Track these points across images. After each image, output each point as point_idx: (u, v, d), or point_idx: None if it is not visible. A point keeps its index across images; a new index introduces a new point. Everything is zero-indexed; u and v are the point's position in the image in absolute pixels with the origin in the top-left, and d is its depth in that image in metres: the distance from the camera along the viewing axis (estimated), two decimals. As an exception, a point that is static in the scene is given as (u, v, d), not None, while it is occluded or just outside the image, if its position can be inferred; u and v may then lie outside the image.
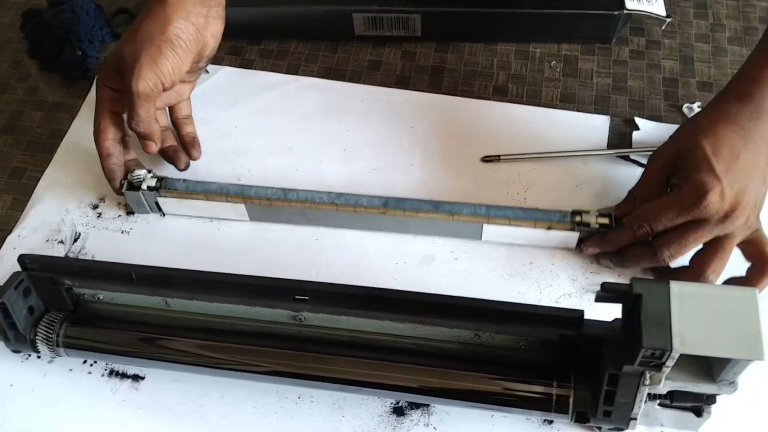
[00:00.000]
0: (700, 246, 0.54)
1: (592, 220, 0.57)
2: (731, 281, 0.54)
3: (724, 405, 0.46)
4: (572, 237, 0.59)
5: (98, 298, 0.55)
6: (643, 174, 0.58)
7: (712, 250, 0.53)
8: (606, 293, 0.42)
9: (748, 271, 0.54)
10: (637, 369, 0.41)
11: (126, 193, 0.63)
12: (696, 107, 0.69)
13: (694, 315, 0.40)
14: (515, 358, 0.48)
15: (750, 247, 0.54)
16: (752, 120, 0.51)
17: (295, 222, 0.63)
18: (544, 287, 0.60)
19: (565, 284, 0.60)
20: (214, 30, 0.60)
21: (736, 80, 0.54)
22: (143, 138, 0.60)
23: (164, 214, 0.65)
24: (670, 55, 0.74)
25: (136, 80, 0.56)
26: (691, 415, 0.46)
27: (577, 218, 0.58)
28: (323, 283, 0.51)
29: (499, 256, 0.61)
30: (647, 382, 0.41)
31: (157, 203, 0.64)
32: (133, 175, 0.62)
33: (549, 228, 0.58)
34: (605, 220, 0.57)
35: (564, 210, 0.59)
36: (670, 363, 0.40)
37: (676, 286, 0.40)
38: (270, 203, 0.61)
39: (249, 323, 0.52)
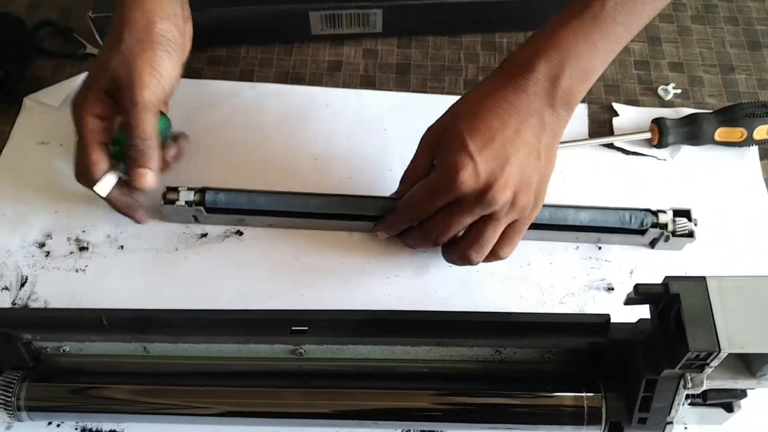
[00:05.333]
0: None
1: None
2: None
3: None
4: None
5: (63, 351, 0.48)
6: (414, 156, 0.54)
7: (475, 230, 0.50)
8: (639, 295, 0.39)
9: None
10: (676, 372, 0.39)
11: (165, 207, 0.58)
12: (671, 89, 0.68)
13: (737, 311, 0.37)
14: (540, 371, 0.45)
15: (506, 229, 0.51)
16: (518, 92, 0.47)
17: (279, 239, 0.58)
18: (546, 288, 0.57)
19: (567, 283, 0.57)
20: (189, 31, 0.56)
21: (513, 53, 0.50)
22: (140, 163, 0.52)
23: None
24: (637, 37, 0.71)
25: (140, 90, 0.50)
26: (719, 411, 0.45)
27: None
28: (323, 311, 0.46)
29: (495, 259, 0.58)
30: (689, 385, 0.38)
31: (195, 216, 0.59)
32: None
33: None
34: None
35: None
36: (715, 364, 0.37)
37: (713, 282, 0.38)
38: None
39: (242, 362, 0.47)
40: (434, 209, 0.50)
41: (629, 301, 0.40)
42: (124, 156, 0.53)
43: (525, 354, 0.45)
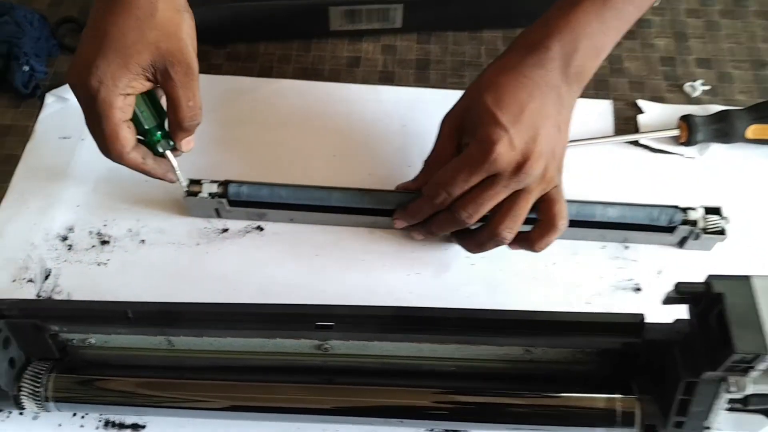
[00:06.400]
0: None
1: None
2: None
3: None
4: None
5: (89, 343, 0.48)
6: (435, 141, 0.54)
7: (507, 206, 0.50)
8: (680, 294, 0.38)
9: (533, 229, 0.52)
10: (718, 375, 0.38)
11: (187, 199, 0.58)
12: (699, 85, 0.66)
13: (785, 311, 0.36)
14: (571, 371, 0.44)
15: (542, 203, 0.51)
16: (535, 68, 0.48)
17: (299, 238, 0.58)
18: (572, 288, 0.56)
19: (593, 283, 0.56)
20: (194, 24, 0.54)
21: (524, 32, 0.51)
22: (191, 132, 0.52)
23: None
24: (662, 33, 0.72)
25: (193, 61, 0.48)
26: (758, 418, 0.43)
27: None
28: (349, 306, 0.45)
29: (520, 258, 0.57)
30: (733, 388, 0.37)
31: (217, 210, 0.59)
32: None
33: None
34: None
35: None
36: (762, 367, 0.36)
37: (758, 281, 0.37)
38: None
39: (267, 357, 0.47)
40: (467, 187, 0.49)
41: (669, 301, 0.39)
42: (151, 124, 0.52)
43: (556, 354, 0.44)
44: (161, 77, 0.48)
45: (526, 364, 0.45)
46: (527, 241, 0.52)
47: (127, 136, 0.50)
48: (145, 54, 0.47)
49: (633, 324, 0.42)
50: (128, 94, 0.48)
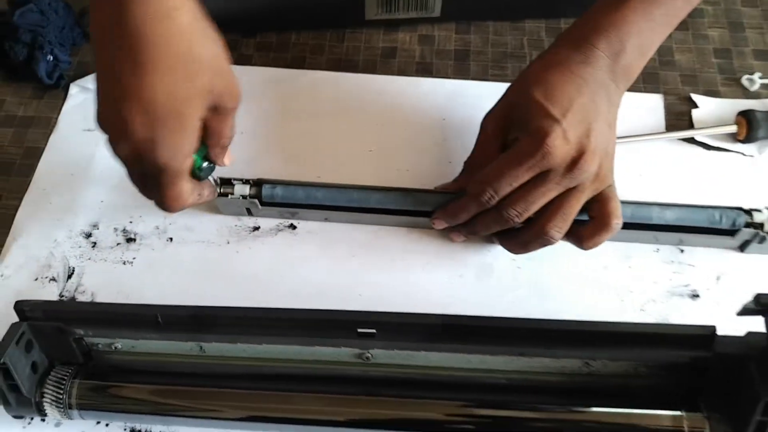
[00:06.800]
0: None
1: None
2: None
3: None
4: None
5: (115, 348, 0.45)
6: (477, 140, 0.52)
7: (557, 204, 0.47)
8: (760, 306, 0.35)
9: (584, 227, 0.49)
10: (802, 395, 0.34)
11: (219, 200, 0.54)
12: (757, 78, 0.62)
13: None
14: (633, 386, 0.41)
15: (595, 202, 0.48)
16: (582, 65, 0.47)
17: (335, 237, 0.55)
18: (625, 294, 0.52)
19: (648, 288, 0.53)
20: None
21: (569, 29, 0.50)
22: (227, 150, 0.47)
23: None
24: (716, 23, 0.68)
25: (238, 90, 0.42)
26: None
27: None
28: (392, 313, 0.42)
29: (569, 261, 0.54)
30: (818, 410, 0.34)
31: (248, 209, 0.56)
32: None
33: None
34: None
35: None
36: None
37: None
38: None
39: (303, 365, 0.44)
40: (516, 185, 0.46)
41: (745, 312, 0.36)
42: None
43: (617, 367, 0.40)
44: (210, 114, 0.42)
45: (584, 378, 0.41)
46: (577, 236, 0.49)
47: (189, 188, 0.45)
48: (199, 107, 0.40)
49: (703, 336, 0.39)
50: (191, 151, 0.43)
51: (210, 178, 0.49)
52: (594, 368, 0.41)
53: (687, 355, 0.39)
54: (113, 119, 0.39)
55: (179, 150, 0.41)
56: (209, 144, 0.45)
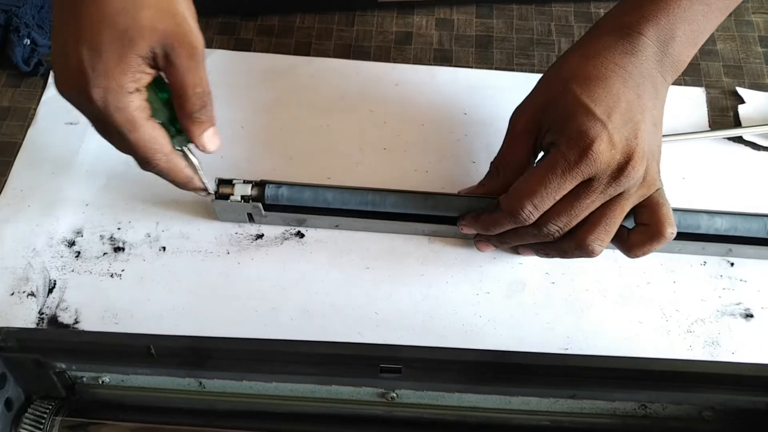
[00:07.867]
0: None
1: None
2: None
3: None
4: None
5: (102, 382, 0.40)
6: (505, 139, 0.47)
7: (599, 213, 0.42)
8: None
9: (633, 233, 0.43)
10: None
11: (216, 202, 0.49)
12: (810, 71, 0.57)
13: None
14: (695, 431, 0.36)
15: (644, 208, 0.43)
16: (627, 56, 0.42)
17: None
18: (670, 313, 0.47)
19: (695, 307, 0.48)
20: None
21: (611, 13, 0.45)
22: (208, 123, 0.42)
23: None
24: (761, 9, 0.62)
25: (196, 38, 0.39)
26: None
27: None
28: (420, 348, 0.37)
29: (607, 276, 0.49)
30: None
31: (250, 215, 0.51)
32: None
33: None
34: None
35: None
36: None
37: None
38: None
39: (319, 404, 0.38)
40: (558, 197, 0.41)
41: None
42: (163, 118, 0.42)
43: (678, 410, 0.35)
44: (162, 63, 0.39)
45: (639, 421, 0.36)
46: (624, 243, 0.44)
47: (162, 134, 0.41)
48: (141, 42, 0.38)
49: (787, 381, 0.34)
50: (137, 90, 0.39)
51: (195, 159, 0.44)
52: (651, 410, 0.36)
53: (763, 400, 0.34)
54: (64, 64, 0.39)
55: (116, 80, 0.38)
56: (175, 105, 0.41)
